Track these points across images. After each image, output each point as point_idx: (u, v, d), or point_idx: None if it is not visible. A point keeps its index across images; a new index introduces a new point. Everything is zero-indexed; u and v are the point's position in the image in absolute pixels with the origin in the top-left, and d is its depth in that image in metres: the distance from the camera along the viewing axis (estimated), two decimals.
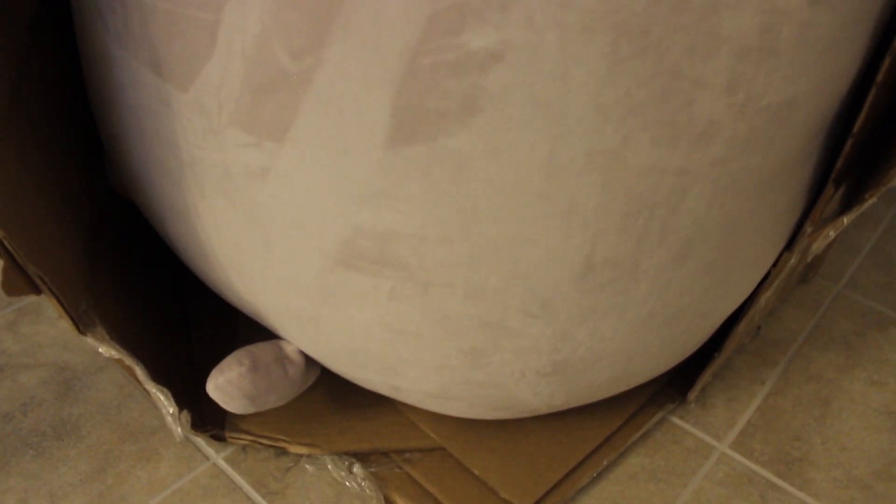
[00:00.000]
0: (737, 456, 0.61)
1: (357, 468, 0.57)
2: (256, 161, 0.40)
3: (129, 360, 0.48)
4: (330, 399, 0.61)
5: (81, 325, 0.46)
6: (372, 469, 0.57)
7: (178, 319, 0.67)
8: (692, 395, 0.64)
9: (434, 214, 0.38)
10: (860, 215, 0.94)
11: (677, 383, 0.65)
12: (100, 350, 0.47)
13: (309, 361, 0.53)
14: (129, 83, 0.44)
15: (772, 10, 0.35)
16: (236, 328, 0.66)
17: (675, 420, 0.64)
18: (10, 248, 0.41)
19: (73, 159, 0.57)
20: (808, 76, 0.39)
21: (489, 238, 0.39)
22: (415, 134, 0.36)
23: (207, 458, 0.59)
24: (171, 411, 0.51)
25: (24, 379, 0.65)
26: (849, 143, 0.45)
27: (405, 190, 0.37)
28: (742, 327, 0.56)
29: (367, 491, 0.56)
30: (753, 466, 0.61)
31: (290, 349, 0.52)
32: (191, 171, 0.44)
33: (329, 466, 0.58)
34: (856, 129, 0.44)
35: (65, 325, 0.70)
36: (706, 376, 0.62)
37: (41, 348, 0.68)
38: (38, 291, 0.44)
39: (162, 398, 0.50)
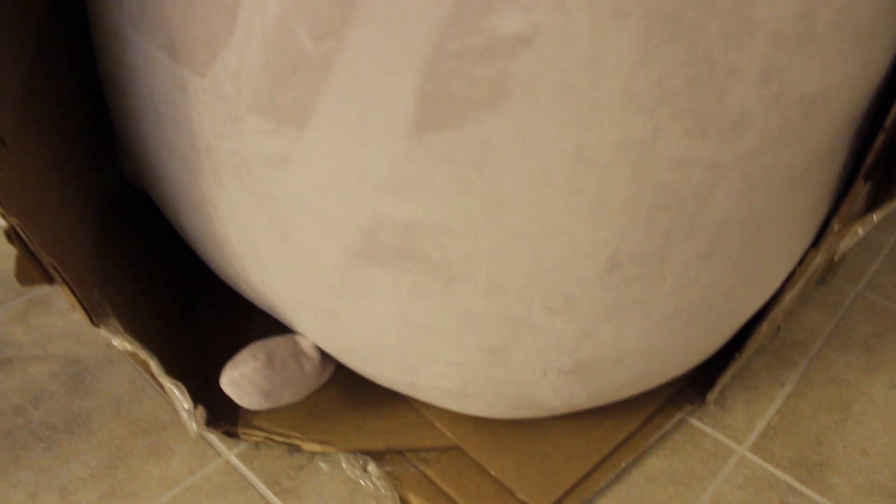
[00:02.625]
0: (757, 459, 0.60)
1: (372, 467, 0.56)
2: (275, 148, 0.39)
3: (143, 354, 0.47)
4: (345, 395, 0.60)
5: (95, 317, 0.45)
6: (387, 468, 0.56)
7: (188, 311, 0.66)
8: (711, 396, 0.63)
9: (458, 205, 0.37)
10: None
11: (696, 384, 0.64)
12: (114, 342, 0.46)
13: (324, 357, 0.52)
14: (143, 67, 0.43)
15: None
16: (248, 321, 0.65)
17: (694, 422, 0.63)
18: (24, 236, 0.40)
19: (84, 144, 0.56)
20: (843, 65, 0.38)
21: (514, 230, 0.38)
22: (440, 121, 0.35)
23: (220, 455, 0.58)
24: (186, 407, 0.50)
25: (34, 371, 0.64)
26: (880, 137, 0.44)
27: (429, 179, 0.36)
28: (764, 327, 0.55)
29: (382, 490, 0.55)
30: (774, 470, 0.59)
31: (305, 344, 0.51)
32: (207, 159, 0.43)
33: (343, 465, 0.57)
34: (888, 123, 0.43)
35: (76, 316, 0.70)
36: (726, 377, 0.61)
37: (52, 340, 0.67)
38: (51, 281, 0.43)
39: (177, 393, 0.49)
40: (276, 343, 0.50)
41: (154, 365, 0.48)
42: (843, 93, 0.39)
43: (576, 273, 0.40)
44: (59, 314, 0.70)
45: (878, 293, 0.79)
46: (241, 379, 0.49)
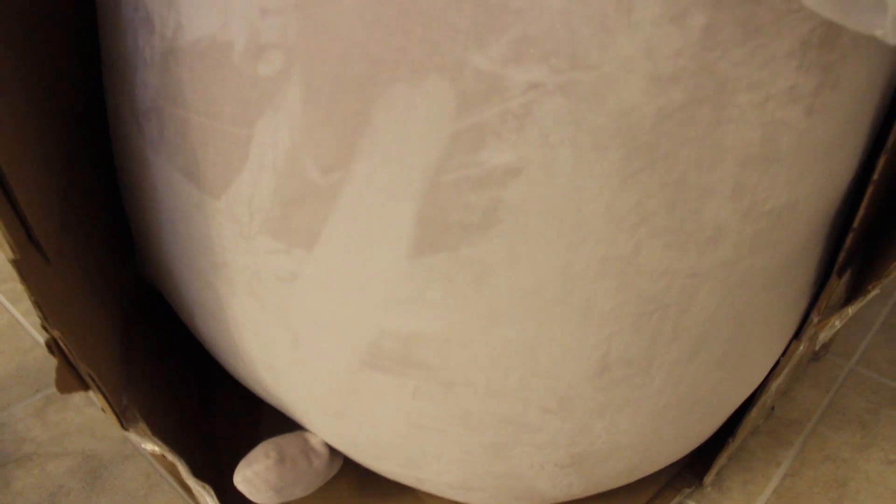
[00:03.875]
0: None
1: None
2: (286, 266, 0.42)
3: (171, 456, 0.49)
4: (352, 487, 0.62)
5: (124, 421, 0.48)
6: None
7: (201, 406, 0.68)
8: (708, 478, 0.64)
9: (456, 318, 0.40)
10: None
11: (693, 466, 0.66)
12: (143, 446, 0.48)
13: (333, 452, 0.54)
14: (162, 186, 0.46)
15: (772, 121, 0.37)
16: (259, 416, 0.68)
17: None
18: (64, 347, 0.43)
19: (108, 249, 0.59)
20: (808, 179, 0.41)
21: (509, 339, 0.41)
22: (438, 244, 0.38)
23: None
24: None
25: (52, 467, 0.67)
26: (850, 237, 0.47)
27: (428, 295, 0.39)
28: (755, 412, 0.58)
29: None
30: None
31: (315, 441, 0.53)
32: (221, 272, 0.46)
33: None
34: (856, 223, 0.46)
35: (92, 412, 0.72)
36: (721, 460, 0.63)
37: (69, 436, 0.70)
38: (86, 388, 0.45)
39: (205, 494, 0.51)
40: (286, 441, 0.53)
41: (182, 468, 0.50)
42: (811, 202, 0.42)
43: (568, 376, 0.42)
44: (75, 410, 0.73)
45: (870, 368, 0.81)
46: (253, 477, 0.51)
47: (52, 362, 0.68)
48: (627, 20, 0.33)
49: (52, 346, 0.43)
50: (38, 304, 0.42)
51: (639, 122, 0.35)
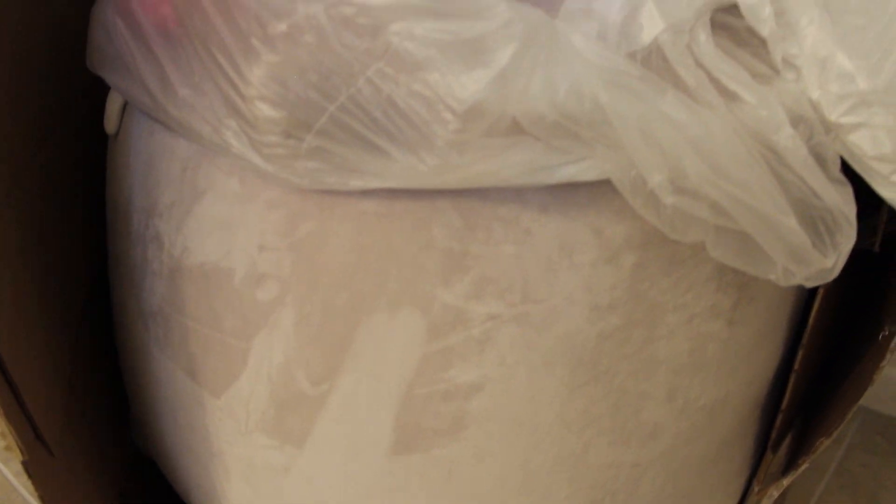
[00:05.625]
0: None
1: None
2: (278, 460, 0.47)
3: None
4: None
5: None
6: None
7: None
8: None
9: None
10: None
11: None
12: None
13: None
14: (165, 380, 0.52)
15: (697, 335, 0.44)
16: None
17: None
18: None
19: (108, 430, 0.63)
20: (735, 377, 0.47)
21: None
22: (412, 446, 0.43)
23: None
24: None
25: None
26: (779, 417, 0.53)
27: (405, 488, 0.45)
28: None
29: None
30: None
31: None
32: (218, 460, 0.51)
33: None
34: (783, 406, 0.52)
35: None
36: None
37: None
38: None
39: None
40: None
41: None
42: (739, 395, 0.48)
43: None
44: None
45: None
46: None
47: None
48: (569, 262, 0.40)
49: None
50: (43, 499, 0.46)
51: (582, 343, 0.41)
